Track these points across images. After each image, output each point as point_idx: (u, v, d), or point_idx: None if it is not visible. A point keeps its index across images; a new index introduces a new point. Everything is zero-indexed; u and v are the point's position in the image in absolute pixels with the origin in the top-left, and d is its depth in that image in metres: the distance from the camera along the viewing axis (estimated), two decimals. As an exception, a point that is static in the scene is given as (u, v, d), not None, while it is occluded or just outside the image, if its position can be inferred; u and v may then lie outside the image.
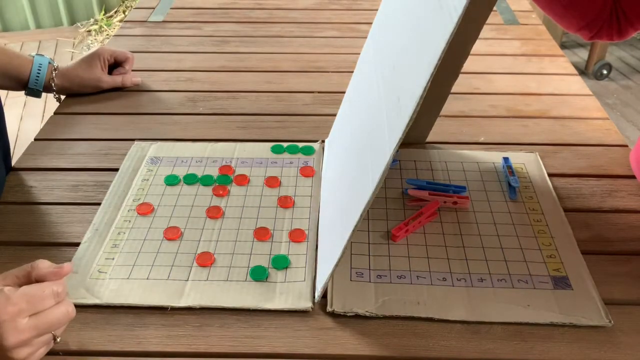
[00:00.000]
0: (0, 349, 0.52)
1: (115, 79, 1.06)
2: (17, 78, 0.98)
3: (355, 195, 0.65)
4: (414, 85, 0.56)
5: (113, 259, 0.70)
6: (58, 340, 0.57)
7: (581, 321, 0.63)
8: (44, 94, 1.02)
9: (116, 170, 0.86)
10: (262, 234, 0.74)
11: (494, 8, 1.07)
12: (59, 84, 1.01)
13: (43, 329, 0.54)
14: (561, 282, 0.67)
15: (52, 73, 1.00)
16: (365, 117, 0.74)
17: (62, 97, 1.04)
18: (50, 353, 0.58)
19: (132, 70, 1.10)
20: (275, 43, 1.27)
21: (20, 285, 0.55)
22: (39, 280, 0.56)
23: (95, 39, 3.27)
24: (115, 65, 1.09)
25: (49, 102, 2.61)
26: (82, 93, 1.04)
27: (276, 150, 0.90)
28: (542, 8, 0.84)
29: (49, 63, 1.00)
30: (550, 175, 0.85)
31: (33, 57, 1.00)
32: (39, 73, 0.98)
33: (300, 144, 0.91)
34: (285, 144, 0.91)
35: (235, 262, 0.70)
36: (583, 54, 2.91)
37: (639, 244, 0.74)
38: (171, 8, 1.43)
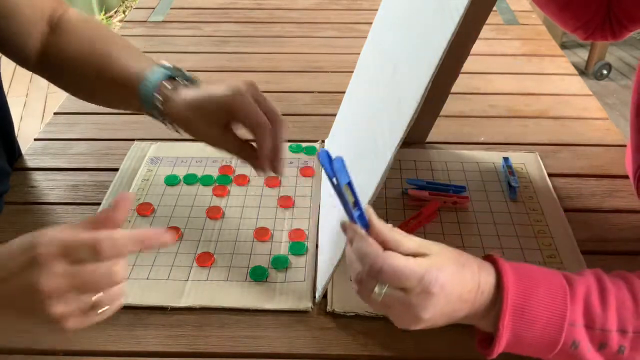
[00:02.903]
0: (35, 295, 0.45)
1: (240, 146, 0.67)
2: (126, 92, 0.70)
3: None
4: (414, 86, 0.56)
5: (113, 259, 0.70)
6: (105, 308, 0.47)
7: (581, 321, 0.62)
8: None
9: (116, 170, 0.86)
10: (262, 234, 0.74)
11: (494, 8, 1.07)
12: (173, 109, 0.68)
13: (78, 282, 0.45)
14: (561, 282, 0.67)
15: (163, 88, 0.68)
16: (366, 117, 0.74)
17: (180, 130, 0.71)
18: (51, 353, 0.58)
19: None
20: (275, 43, 1.27)
21: None
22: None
23: (95, 39, 3.27)
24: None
25: (49, 102, 2.61)
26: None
27: (276, 150, 0.90)
28: (540, 7, 0.85)
29: (167, 77, 0.69)
30: (550, 175, 0.85)
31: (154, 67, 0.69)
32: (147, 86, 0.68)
33: (304, 144, 0.91)
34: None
35: (235, 262, 0.70)
36: (583, 54, 2.91)
37: (639, 244, 0.74)
38: (171, 8, 1.43)
